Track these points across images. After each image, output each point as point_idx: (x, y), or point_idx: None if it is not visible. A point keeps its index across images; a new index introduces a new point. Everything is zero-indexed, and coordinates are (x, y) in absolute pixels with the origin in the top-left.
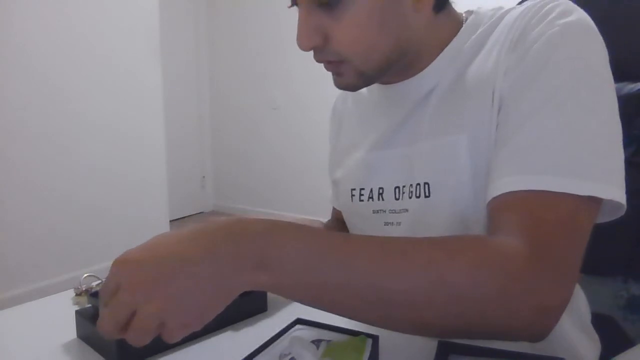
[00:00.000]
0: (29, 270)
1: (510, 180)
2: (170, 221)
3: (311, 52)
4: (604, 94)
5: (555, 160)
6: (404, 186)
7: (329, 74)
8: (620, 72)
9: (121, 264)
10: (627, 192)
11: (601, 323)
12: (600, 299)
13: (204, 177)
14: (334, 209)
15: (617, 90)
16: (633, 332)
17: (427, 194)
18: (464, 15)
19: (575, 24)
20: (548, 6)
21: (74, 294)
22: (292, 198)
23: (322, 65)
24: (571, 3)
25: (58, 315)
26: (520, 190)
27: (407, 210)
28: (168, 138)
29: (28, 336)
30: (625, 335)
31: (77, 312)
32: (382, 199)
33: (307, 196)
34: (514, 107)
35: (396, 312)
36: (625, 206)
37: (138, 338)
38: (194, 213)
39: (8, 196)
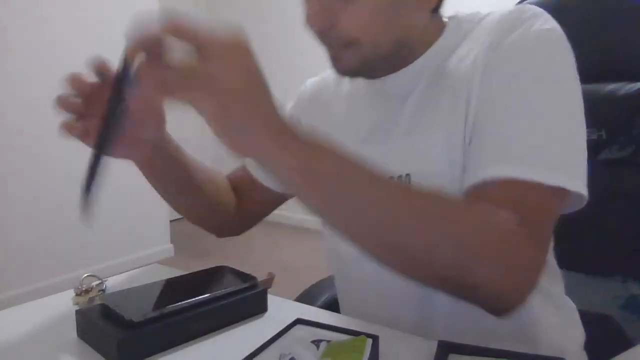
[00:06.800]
0: (29, 270)
1: (492, 169)
2: (171, 221)
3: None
4: (574, 96)
5: (532, 153)
6: None
7: None
8: (619, 72)
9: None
10: (625, 193)
11: (600, 323)
12: (600, 299)
13: None
14: (243, 170)
15: (616, 90)
16: (632, 332)
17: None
18: (446, 19)
19: (551, 32)
20: (526, 14)
21: (74, 294)
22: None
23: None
24: (546, 14)
25: (58, 315)
26: (501, 177)
27: None
28: None
29: (28, 336)
30: (624, 335)
31: (77, 312)
32: None
33: None
34: (495, 105)
35: (404, 239)
36: (587, 198)
37: (175, 79)
38: None
39: (8, 196)
